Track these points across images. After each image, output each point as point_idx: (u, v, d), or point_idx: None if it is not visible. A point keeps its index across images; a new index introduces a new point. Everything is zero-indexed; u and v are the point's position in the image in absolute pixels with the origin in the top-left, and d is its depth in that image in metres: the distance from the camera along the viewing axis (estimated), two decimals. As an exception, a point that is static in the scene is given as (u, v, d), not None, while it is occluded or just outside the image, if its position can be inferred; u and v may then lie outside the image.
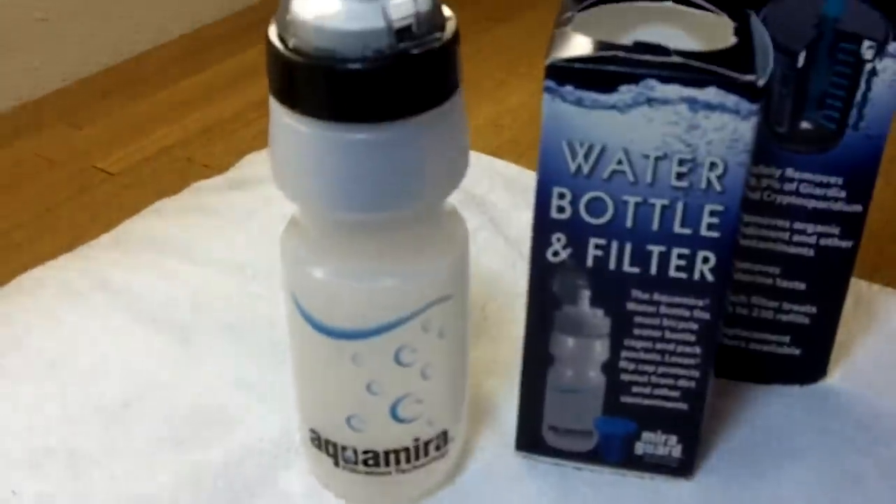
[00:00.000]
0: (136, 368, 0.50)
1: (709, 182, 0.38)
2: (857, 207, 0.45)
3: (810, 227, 0.46)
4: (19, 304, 0.53)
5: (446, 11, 0.36)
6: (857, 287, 0.56)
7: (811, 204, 0.45)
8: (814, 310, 0.48)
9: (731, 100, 0.36)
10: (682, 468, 0.45)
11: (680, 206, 0.39)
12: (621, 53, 0.37)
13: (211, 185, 0.64)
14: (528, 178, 0.65)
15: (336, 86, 0.34)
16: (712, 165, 0.38)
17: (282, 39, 0.35)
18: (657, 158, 0.38)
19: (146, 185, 0.68)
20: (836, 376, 0.51)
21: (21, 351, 0.51)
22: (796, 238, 0.46)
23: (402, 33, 0.34)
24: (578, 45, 0.38)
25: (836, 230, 0.46)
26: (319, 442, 0.43)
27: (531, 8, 0.91)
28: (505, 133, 0.73)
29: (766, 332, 0.49)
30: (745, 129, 0.37)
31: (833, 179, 0.45)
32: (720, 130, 0.37)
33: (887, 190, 0.66)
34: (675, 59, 0.36)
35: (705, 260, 0.40)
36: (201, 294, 0.55)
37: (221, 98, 0.78)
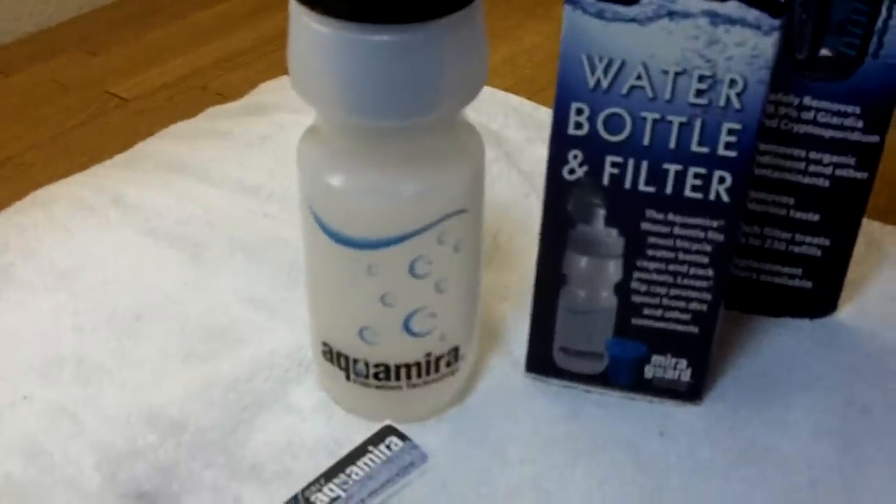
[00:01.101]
0: (148, 282, 0.50)
1: (728, 99, 0.38)
2: (874, 138, 0.45)
3: (826, 158, 0.46)
4: (32, 217, 0.54)
5: (471, -83, 0.36)
6: (870, 228, 0.56)
7: (828, 133, 0.45)
8: (827, 242, 0.48)
9: (752, 14, 0.36)
10: (691, 393, 0.45)
11: (698, 124, 0.39)
12: (645, -35, 0.37)
13: (226, 111, 0.64)
14: (542, 115, 0.65)
15: (358, -15, 0.34)
16: (732, 82, 0.38)
17: (304, -61, 0.35)
18: (677, 74, 0.38)
19: (160, 111, 0.68)
20: (847, 311, 0.51)
21: (34, 261, 0.51)
22: (812, 168, 0.46)
23: (424, -67, 0.34)
24: (602, -43, 0.37)
25: (852, 161, 0.46)
26: (331, 355, 0.43)
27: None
28: (520, 72, 0.73)
29: (778, 264, 0.49)
30: (766, 45, 0.37)
31: (851, 109, 0.45)
32: (741, 46, 0.37)
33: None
34: (699, -29, 0.36)
35: (721, 180, 0.40)
36: (214, 213, 0.55)
37: (237, 30, 0.78)
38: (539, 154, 0.60)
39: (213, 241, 0.53)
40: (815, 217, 0.48)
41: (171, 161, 0.58)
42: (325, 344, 0.43)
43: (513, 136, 0.63)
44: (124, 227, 0.53)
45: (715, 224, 0.41)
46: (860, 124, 0.45)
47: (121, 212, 0.54)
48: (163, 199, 0.55)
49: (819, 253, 0.48)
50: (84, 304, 0.49)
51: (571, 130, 0.40)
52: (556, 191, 0.41)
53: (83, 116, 0.67)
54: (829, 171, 0.46)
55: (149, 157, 0.59)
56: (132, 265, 0.51)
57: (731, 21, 0.37)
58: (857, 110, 0.45)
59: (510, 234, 0.54)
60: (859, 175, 0.46)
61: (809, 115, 0.45)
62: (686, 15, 0.37)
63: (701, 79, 0.38)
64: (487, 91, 0.67)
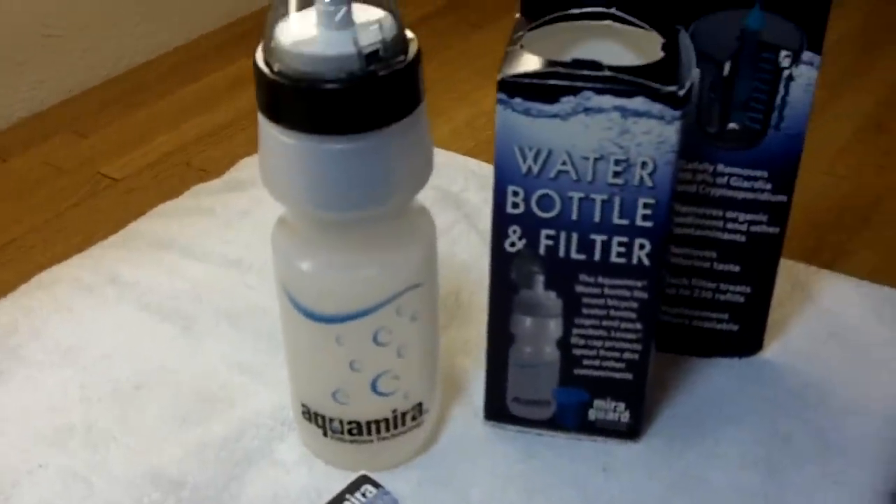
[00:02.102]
0: (145, 354, 0.56)
1: (641, 179, 0.44)
2: (782, 198, 0.51)
3: (741, 216, 0.52)
4: (37, 299, 0.59)
5: (409, 35, 0.42)
6: (796, 269, 0.62)
7: (741, 195, 0.51)
8: (748, 290, 0.54)
9: (656, 108, 0.42)
10: (631, 432, 0.51)
11: (617, 201, 0.45)
12: (561, 69, 0.43)
13: (208, 188, 0.70)
14: (500, 176, 0.70)
15: (315, 104, 0.40)
16: (643, 164, 0.44)
17: (267, 63, 0.41)
18: (596, 159, 0.44)
19: (148, 189, 0.73)
20: (772, 350, 0.56)
21: (40, 340, 0.56)
22: (729, 226, 0.52)
23: (371, 57, 0.40)
24: (526, 63, 0.43)
25: (764, 218, 0.52)
26: (309, 415, 0.49)
27: (507, 14, 0.97)
28: (480, 134, 0.79)
29: (707, 311, 0.55)
30: (670, 133, 0.43)
31: (759, 173, 0.50)
32: (648, 134, 0.43)
33: (826, 183, 0.72)
34: (607, 73, 0.42)
35: (641, 247, 0.46)
36: (201, 286, 0.60)
37: (216, 106, 0.84)
38: (496, 214, 0.66)
39: (201, 313, 0.58)
40: (736, 268, 0.53)
41: (160, 239, 0.64)
42: (303, 405, 0.49)
43: (472, 199, 0.69)
44: (121, 304, 0.59)
45: (639, 284, 0.47)
46: (769, 186, 0.51)
47: (117, 290, 0.60)
48: (155, 276, 0.61)
49: (742, 299, 0.54)
50: (89, 377, 0.54)
51: (510, 209, 0.46)
52: (500, 261, 0.47)
53: (77, 198, 0.73)
54: (744, 227, 0.52)
55: (140, 237, 0.65)
56: (130, 339, 0.57)
57: (639, 114, 0.42)
58: (765, 174, 0.51)
59: (470, 293, 0.60)
60: (772, 230, 0.52)
61: (724, 180, 0.51)
62: (600, 110, 0.43)
63: (617, 163, 0.44)
64: (448, 156, 0.74)
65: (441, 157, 0.72)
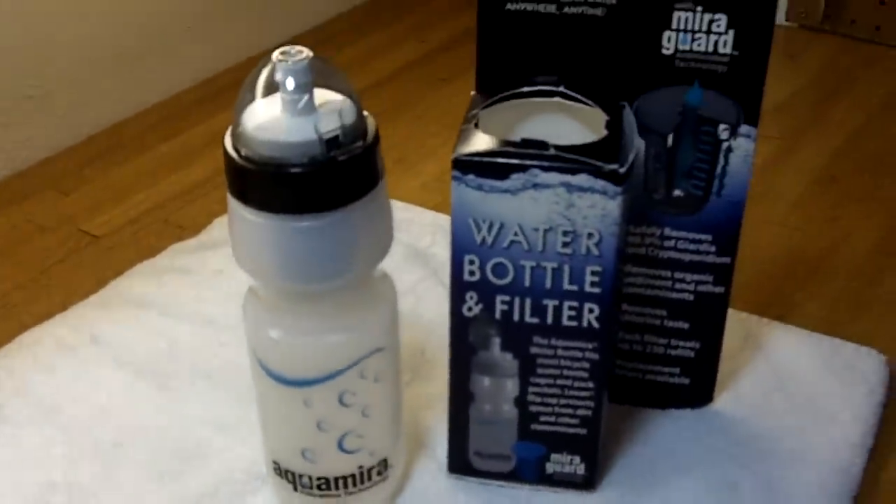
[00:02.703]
0: (124, 412, 0.58)
1: (588, 249, 0.47)
2: (726, 259, 0.54)
3: (688, 276, 0.55)
4: (21, 359, 0.62)
5: (369, 120, 0.45)
6: (748, 322, 0.65)
7: (687, 257, 0.54)
8: (697, 345, 0.57)
9: (599, 184, 0.45)
10: (586, 483, 0.54)
11: (567, 268, 0.47)
12: (511, 149, 0.46)
13: (185, 247, 0.73)
14: (466, 231, 0.73)
15: (279, 186, 0.43)
16: (589, 235, 0.46)
17: (235, 149, 0.44)
18: (545, 230, 0.47)
19: (127, 246, 0.76)
20: (723, 401, 0.59)
21: (24, 399, 0.59)
22: (678, 286, 0.55)
23: (331, 143, 0.43)
24: (478, 142, 0.47)
25: (710, 278, 0.55)
26: (280, 471, 0.51)
27: (473, 71, 1.00)
28: (448, 188, 0.82)
29: (659, 365, 0.58)
30: (613, 207, 0.46)
31: (704, 237, 0.53)
32: (593, 207, 0.46)
33: (780, 234, 0.75)
34: (553, 152, 0.45)
35: (591, 310, 0.48)
36: (177, 345, 0.63)
37: (193, 162, 0.87)
38: (463, 269, 0.69)
39: (177, 371, 0.61)
40: (686, 325, 0.56)
41: (139, 299, 0.67)
42: (274, 462, 0.52)
43: (440, 253, 0.72)
44: (101, 363, 0.61)
45: (590, 346, 0.49)
46: (713, 249, 0.54)
47: (97, 349, 0.62)
48: (133, 335, 0.63)
49: (692, 354, 0.57)
50: (70, 436, 0.57)
51: (466, 277, 0.49)
52: (459, 325, 0.50)
53: (59, 255, 0.75)
54: (692, 287, 0.55)
55: (119, 296, 0.68)
56: (110, 397, 0.59)
57: (583, 189, 0.45)
58: (710, 238, 0.54)
59: (436, 348, 0.63)
60: (717, 289, 0.55)
61: (671, 243, 0.54)
62: (547, 186, 0.46)
63: (565, 234, 0.47)
64: (416, 211, 0.76)
65: (409, 212, 0.75)
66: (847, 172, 0.83)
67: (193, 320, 0.65)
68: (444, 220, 0.75)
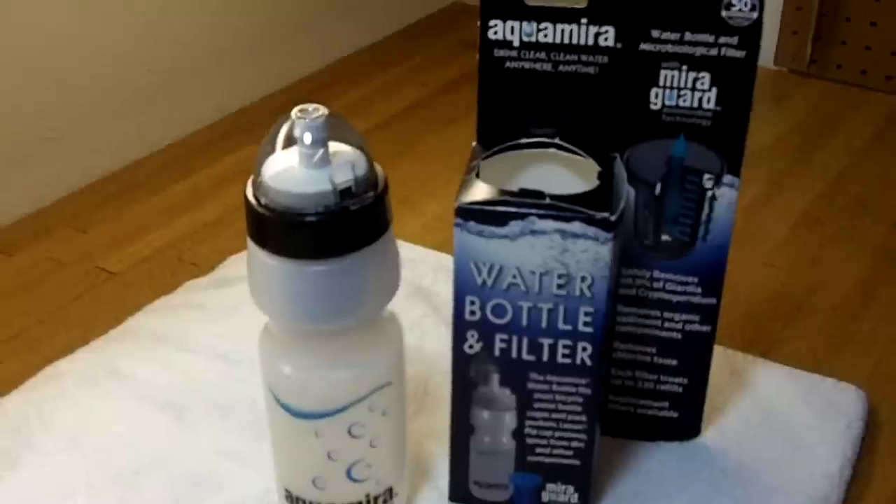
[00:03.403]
0: (143, 442, 0.62)
1: (581, 291, 0.50)
2: (712, 300, 0.58)
3: (676, 316, 0.58)
4: (46, 392, 0.65)
5: (379, 170, 0.49)
6: (734, 358, 0.68)
7: (675, 298, 0.58)
8: (685, 381, 0.60)
9: (591, 230, 0.49)
10: (580, 511, 0.57)
11: (562, 309, 0.51)
12: (509, 198, 0.49)
13: (199, 284, 0.76)
14: (467, 269, 0.77)
15: (296, 233, 0.46)
16: (583, 278, 0.50)
17: (255, 197, 0.47)
18: (541, 274, 0.50)
19: (143, 283, 0.80)
20: (710, 433, 0.63)
21: (49, 430, 0.62)
22: (666, 325, 0.59)
23: (345, 193, 0.46)
24: (479, 191, 0.50)
25: (696, 318, 0.58)
26: (292, 499, 0.55)
27: (473, 113, 1.04)
28: (450, 228, 0.84)
29: (649, 399, 0.61)
30: (605, 252, 0.49)
31: (691, 279, 0.57)
32: (585, 252, 0.49)
33: (766, 274, 0.79)
34: (549, 201, 0.49)
35: (584, 349, 0.52)
36: (193, 379, 0.66)
37: (206, 201, 0.90)
38: (464, 306, 0.73)
39: (193, 403, 0.64)
40: (674, 362, 0.60)
41: (156, 334, 0.70)
42: (286, 490, 0.55)
43: (441, 292, 0.75)
44: (121, 396, 0.65)
45: (583, 381, 0.53)
46: (699, 290, 0.57)
47: (117, 382, 0.66)
48: (151, 369, 0.67)
49: (680, 389, 0.61)
50: (92, 464, 0.60)
51: (468, 316, 0.52)
52: (460, 361, 0.54)
53: (78, 291, 0.79)
54: (679, 326, 0.59)
55: (138, 331, 0.71)
56: (129, 428, 0.63)
57: (577, 236, 0.49)
58: (696, 280, 0.57)
59: (438, 383, 0.66)
60: (703, 328, 0.58)
61: (660, 285, 0.58)
62: (543, 232, 0.49)
63: (559, 276, 0.50)
64: (419, 251, 0.80)
65: (413, 252, 0.79)
66: (831, 214, 0.87)
67: (208, 355, 0.68)
68: (445, 260, 0.79)
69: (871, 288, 0.78)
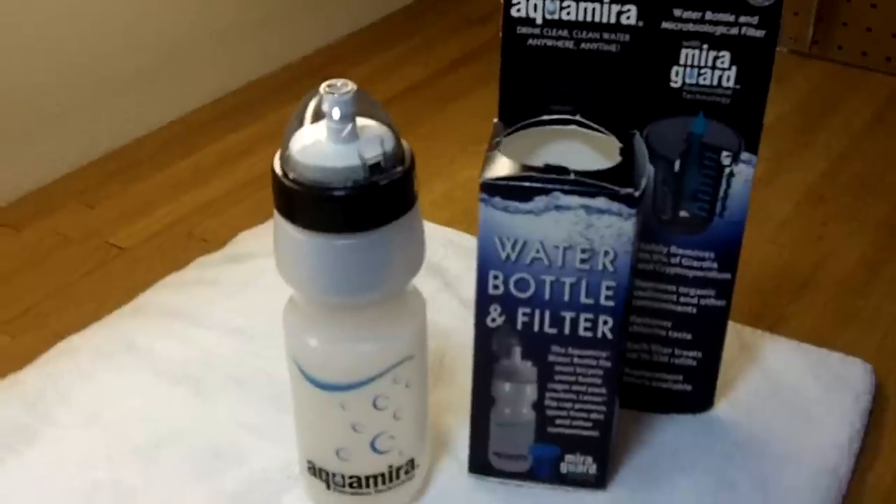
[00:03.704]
0: (162, 415, 0.62)
1: (604, 265, 0.51)
2: (727, 275, 0.58)
3: (692, 291, 0.59)
4: (62, 367, 0.66)
5: (405, 145, 0.49)
6: (743, 333, 0.69)
7: (691, 273, 0.58)
8: (699, 354, 0.61)
9: (615, 206, 0.49)
10: (598, 482, 0.58)
11: (584, 283, 0.52)
12: (534, 173, 0.50)
13: (211, 260, 0.77)
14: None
15: (325, 207, 0.47)
16: (605, 253, 0.51)
17: (283, 171, 0.48)
18: (565, 248, 0.51)
19: (154, 258, 0.80)
20: (722, 406, 0.64)
21: (66, 404, 0.63)
22: (682, 299, 0.59)
23: (374, 168, 0.47)
24: (504, 167, 0.51)
25: (712, 293, 0.59)
26: (315, 470, 0.55)
27: (480, 89, 1.05)
28: (457, 205, 0.86)
29: (664, 373, 0.62)
30: (628, 227, 0.50)
31: (707, 254, 0.58)
32: (609, 228, 0.50)
33: (770, 251, 0.80)
34: (574, 177, 0.49)
35: (605, 322, 0.53)
36: (209, 353, 0.67)
37: (212, 178, 0.91)
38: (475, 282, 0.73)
39: (210, 377, 0.65)
40: (689, 336, 0.61)
41: (170, 309, 0.71)
42: (309, 462, 0.55)
43: (452, 267, 0.76)
44: (137, 370, 0.65)
45: (604, 354, 0.54)
46: (715, 265, 0.58)
47: (133, 357, 0.66)
48: (167, 344, 0.67)
49: (694, 363, 0.62)
50: (112, 438, 0.60)
51: (491, 290, 0.53)
52: (483, 335, 0.54)
53: (87, 266, 0.79)
54: (695, 301, 0.59)
55: (150, 307, 0.71)
56: (147, 402, 0.63)
57: (601, 211, 0.50)
58: (712, 255, 0.58)
59: (453, 357, 0.67)
60: (718, 303, 0.59)
61: (676, 260, 0.58)
62: (568, 208, 0.50)
63: (583, 251, 0.51)
64: (428, 227, 0.80)
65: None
66: (833, 193, 0.88)
67: (223, 330, 0.69)
68: (454, 235, 0.79)
69: (874, 265, 0.79)
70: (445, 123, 0.99)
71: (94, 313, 0.72)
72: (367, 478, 0.55)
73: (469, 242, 0.79)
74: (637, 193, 0.49)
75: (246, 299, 0.72)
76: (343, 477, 0.55)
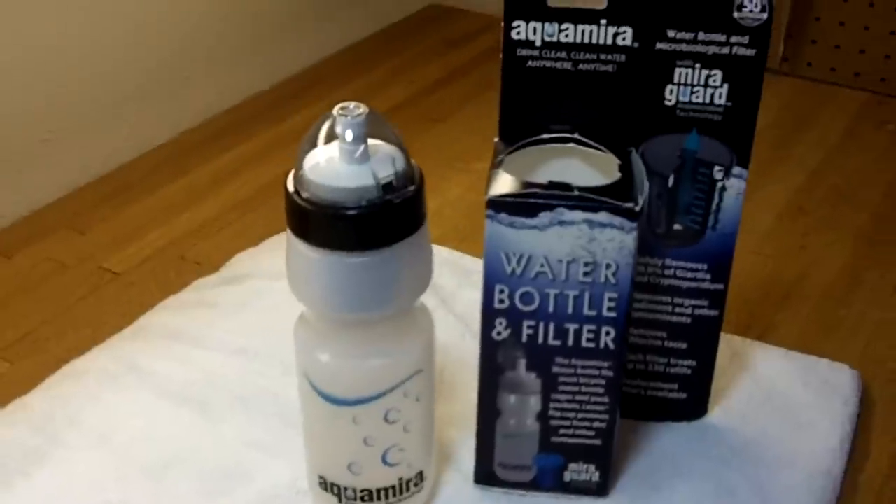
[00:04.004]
0: (169, 436, 0.63)
1: (606, 278, 0.53)
2: (720, 286, 0.60)
3: (686, 302, 0.61)
4: (68, 390, 0.66)
5: (414, 164, 0.51)
6: (733, 342, 0.71)
7: (685, 284, 0.60)
8: (694, 363, 0.63)
9: (617, 220, 0.51)
10: (600, 490, 0.60)
11: (587, 296, 0.53)
12: (539, 190, 0.51)
13: (208, 282, 0.78)
14: (468, 262, 0.79)
15: (339, 227, 0.48)
16: (608, 266, 0.52)
17: (297, 191, 0.49)
18: (569, 262, 0.53)
19: (148, 281, 0.81)
20: (716, 413, 0.65)
21: (76, 427, 0.63)
22: (677, 310, 0.61)
23: (386, 188, 0.48)
24: (508, 184, 0.52)
25: (705, 303, 0.61)
26: (326, 485, 0.56)
27: (462, 110, 1.07)
28: (447, 222, 0.88)
29: (659, 382, 0.64)
30: (629, 240, 0.52)
31: (700, 266, 0.60)
32: (611, 241, 0.52)
33: (755, 262, 0.82)
34: (577, 193, 0.51)
35: (607, 333, 0.54)
36: (212, 374, 0.68)
37: (202, 201, 0.92)
38: (469, 297, 0.75)
39: (214, 397, 0.66)
40: (683, 345, 0.62)
41: (170, 331, 0.72)
42: (320, 477, 0.57)
43: (446, 284, 0.77)
44: (143, 391, 0.66)
45: (606, 364, 0.55)
46: (708, 277, 0.60)
47: (138, 379, 0.67)
48: (170, 365, 0.68)
49: (689, 372, 0.63)
50: (122, 459, 0.61)
51: (496, 304, 0.54)
52: (488, 348, 0.56)
53: (82, 291, 0.80)
54: (689, 311, 0.61)
55: (151, 329, 0.72)
56: (155, 423, 0.64)
57: (603, 225, 0.51)
58: (705, 267, 0.60)
59: (452, 371, 0.68)
60: (712, 313, 0.61)
61: (671, 272, 0.60)
62: (571, 223, 0.52)
63: (586, 264, 0.53)
64: (421, 246, 0.82)
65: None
66: (812, 205, 0.90)
67: (224, 351, 0.70)
68: (446, 253, 0.81)
69: (856, 273, 0.81)
70: (432, 142, 1.01)
71: (92, 338, 0.73)
72: (379, 490, 0.56)
73: (461, 260, 0.80)
74: (637, 207, 0.51)
75: (245, 320, 0.73)
76: (355, 491, 0.56)
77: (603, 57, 0.55)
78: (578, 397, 0.56)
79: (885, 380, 0.70)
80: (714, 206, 0.58)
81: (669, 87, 0.55)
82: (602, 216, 0.51)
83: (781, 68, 1.16)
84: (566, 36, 0.54)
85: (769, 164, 0.96)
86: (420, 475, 0.57)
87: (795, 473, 0.61)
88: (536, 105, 0.56)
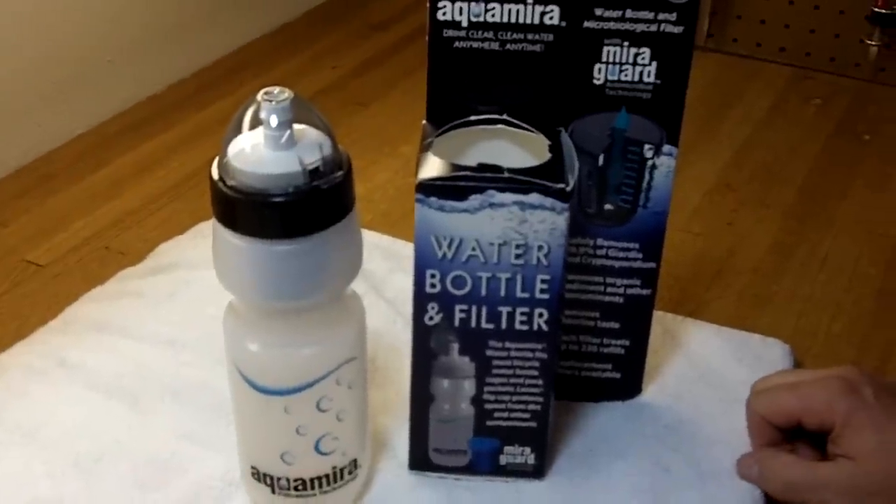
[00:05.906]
0: (100, 430, 0.62)
1: (538, 259, 0.52)
2: (652, 265, 0.60)
3: (619, 281, 0.61)
4: (-7, 386, 0.65)
5: (342, 150, 0.50)
6: (665, 319, 0.71)
7: (617, 264, 0.60)
8: (627, 343, 0.63)
9: (548, 201, 0.51)
10: (537, 472, 0.59)
11: (519, 278, 0.53)
12: (468, 172, 0.51)
13: (133, 273, 0.76)
14: (399, 246, 0.78)
15: (265, 214, 0.47)
16: (539, 248, 0.52)
17: (222, 179, 0.48)
18: (500, 245, 0.52)
19: (73, 273, 0.79)
20: (650, 392, 0.66)
21: (2, 423, 0.62)
22: (609, 290, 0.61)
23: (313, 173, 0.47)
24: (438, 167, 0.52)
25: (637, 282, 0.61)
26: (259, 475, 0.56)
27: (389, 93, 1.06)
28: (377, 207, 0.87)
29: (593, 362, 0.64)
30: (561, 221, 0.51)
31: (632, 245, 0.60)
32: (543, 223, 0.51)
33: (684, 240, 0.82)
34: (507, 175, 0.51)
35: (541, 315, 0.54)
36: (142, 365, 0.66)
37: (124, 191, 0.90)
38: (400, 283, 0.74)
39: (145, 389, 0.65)
40: (616, 325, 0.63)
41: (97, 323, 0.70)
42: (253, 467, 0.56)
43: (377, 269, 0.77)
44: (72, 385, 0.65)
45: (539, 346, 0.55)
46: (640, 256, 0.60)
47: (66, 372, 0.65)
48: (99, 357, 0.67)
49: (622, 351, 0.63)
50: (51, 454, 0.60)
51: (428, 289, 0.54)
52: (421, 333, 0.55)
53: (6, 285, 0.78)
54: (621, 290, 0.61)
55: (78, 321, 0.71)
56: (84, 417, 0.63)
57: (534, 207, 0.51)
58: (637, 246, 0.60)
59: (384, 358, 0.68)
60: (644, 292, 0.61)
61: (602, 252, 0.60)
62: (502, 205, 0.51)
63: (517, 247, 0.52)
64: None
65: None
66: (740, 181, 0.91)
67: (154, 341, 0.69)
68: (377, 238, 0.80)
69: (785, 249, 0.82)
70: (360, 126, 1.00)
71: (17, 332, 0.71)
72: (312, 480, 0.55)
73: (392, 244, 0.80)
74: (569, 188, 0.51)
75: (173, 310, 0.71)
76: (288, 480, 0.55)
77: (530, 36, 0.54)
78: (513, 380, 0.56)
79: (817, 353, 0.71)
80: (645, 185, 0.58)
81: (598, 65, 0.55)
82: (533, 198, 0.51)
83: (707, 45, 1.17)
84: (493, 15, 0.54)
85: (696, 142, 0.96)
86: (354, 463, 0.56)
87: (730, 450, 0.61)
88: (464, 86, 0.56)
